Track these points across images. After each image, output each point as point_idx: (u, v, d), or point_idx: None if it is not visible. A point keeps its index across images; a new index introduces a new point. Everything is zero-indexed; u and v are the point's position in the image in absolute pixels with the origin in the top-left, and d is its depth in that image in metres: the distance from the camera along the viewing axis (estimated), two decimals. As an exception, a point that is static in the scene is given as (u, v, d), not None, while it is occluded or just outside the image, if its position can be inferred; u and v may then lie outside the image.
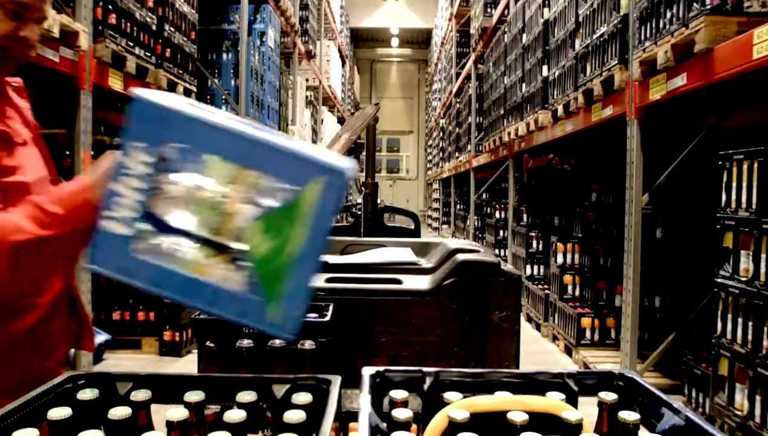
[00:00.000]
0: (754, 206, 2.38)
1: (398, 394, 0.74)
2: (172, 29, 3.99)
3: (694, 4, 2.62)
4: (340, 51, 14.17)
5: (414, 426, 0.75)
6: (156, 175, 0.84)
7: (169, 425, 0.69)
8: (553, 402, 0.73)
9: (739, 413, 2.42)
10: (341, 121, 13.81)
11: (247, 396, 0.76)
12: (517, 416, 0.67)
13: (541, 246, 6.05)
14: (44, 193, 1.03)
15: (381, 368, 0.80)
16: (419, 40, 22.73)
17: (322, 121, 11.36)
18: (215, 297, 0.83)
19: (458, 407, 0.71)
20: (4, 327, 1.08)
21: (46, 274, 1.07)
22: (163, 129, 0.84)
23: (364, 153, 2.31)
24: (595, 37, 3.91)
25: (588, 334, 4.38)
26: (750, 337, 2.37)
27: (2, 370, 1.08)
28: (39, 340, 1.14)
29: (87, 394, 0.74)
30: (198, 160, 0.83)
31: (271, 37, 6.65)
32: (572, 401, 0.78)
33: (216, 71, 5.55)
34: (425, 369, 0.80)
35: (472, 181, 9.94)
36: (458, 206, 12.88)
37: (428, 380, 0.79)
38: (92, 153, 3.15)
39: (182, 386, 0.77)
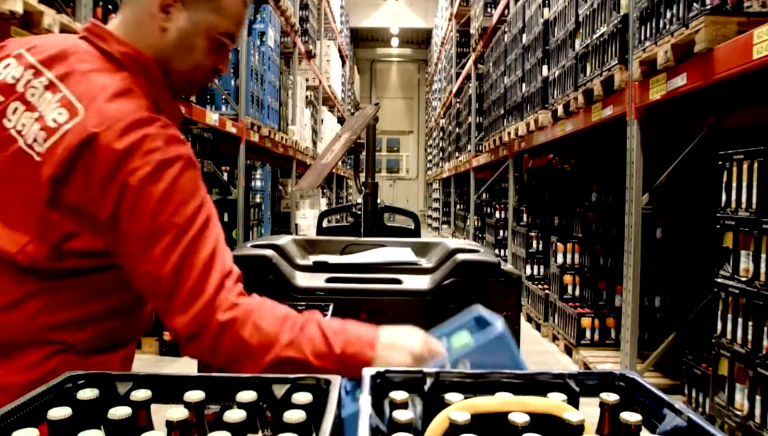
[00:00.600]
0: (754, 206, 2.38)
1: (398, 395, 0.74)
2: (172, 29, 3.99)
3: (694, 4, 2.62)
4: (340, 51, 14.17)
5: (414, 427, 0.75)
6: None
7: (169, 425, 0.69)
8: (554, 403, 0.72)
9: (739, 413, 2.42)
10: (341, 121, 13.81)
11: (247, 396, 0.76)
12: (519, 417, 0.67)
13: (541, 246, 6.05)
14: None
15: (381, 369, 0.80)
16: (419, 40, 22.74)
17: (322, 121, 11.37)
18: None
19: (459, 408, 0.71)
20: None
21: None
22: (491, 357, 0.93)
23: (364, 153, 2.31)
24: (595, 37, 3.91)
25: (588, 334, 4.38)
26: (750, 337, 2.37)
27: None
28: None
29: (87, 394, 0.74)
30: None
31: (271, 37, 6.65)
32: (573, 401, 0.78)
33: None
34: (425, 369, 0.80)
35: (472, 181, 9.94)
36: (458, 206, 12.88)
37: (429, 381, 0.79)
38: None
39: (182, 386, 0.77)
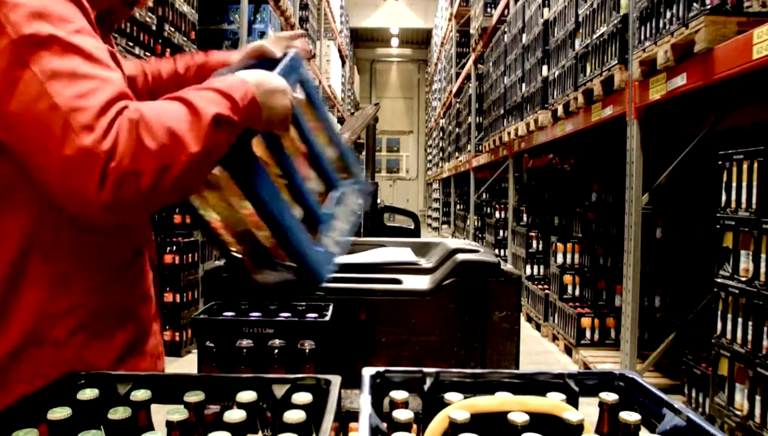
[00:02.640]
0: (754, 206, 2.38)
1: (399, 394, 0.74)
2: (172, 29, 3.99)
3: (694, 4, 2.62)
4: (340, 51, 14.17)
5: (415, 427, 0.75)
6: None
7: (169, 425, 0.69)
8: (554, 403, 0.73)
9: (739, 413, 2.42)
10: (341, 121, 13.81)
11: (247, 396, 0.76)
12: (518, 417, 0.67)
13: (541, 246, 6.05)
14: None
15: (381, 369, 0.80)
16: (419, 40, 22.73)
17: (322, 121, 11.35)
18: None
19: (459, 407, 0.71)
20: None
21: (213, 167, 0.95)
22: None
23: (364, 153, 2.31)
24: (595, 37, 3.91)
25: (588, 334, 4.38)
26: (750, 337, 2.37)
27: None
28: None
29: (87, 394, 0.74)
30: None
31: (271, 37, 6.64)
32: (573, 401, 0.78)
33: (216, 71, 5.54)
34: (425, 369, 0.80)
35: (472, 181, 9.94)
36: (458, 206, 12.88)
37: (428, 381, 0.79)
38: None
39: (182, 386, 0.77)
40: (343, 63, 15.17)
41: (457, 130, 11.85)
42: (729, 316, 2.51)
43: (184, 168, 0.82)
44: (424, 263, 1.59)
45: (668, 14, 2.88)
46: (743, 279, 2.43)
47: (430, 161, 20.02)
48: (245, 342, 1.11)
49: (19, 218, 0.89)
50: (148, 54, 3.63)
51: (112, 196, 0.78)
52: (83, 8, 0.88)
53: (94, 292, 0.96)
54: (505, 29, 7.10)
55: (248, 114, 0.92)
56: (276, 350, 1.09)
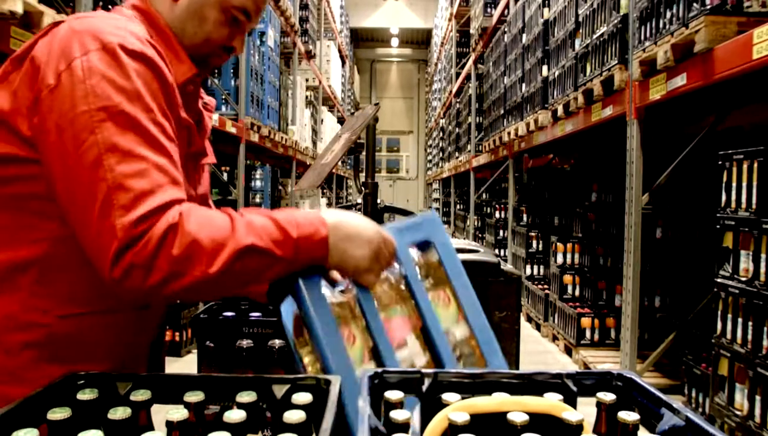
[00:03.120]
0: (754, 206, 2.38)
1: (393, 394, 0.74)
2: (172, 29, 3.99)
3: (694, 4, 2.62)
4: (340, 51, 14.17)
5: (413, 427, 0.75)
6: None
7: (169, 425, 0.69)
8: (553, 403, 0.73)
9: (739, 413, 2.42)
10: (341, 121, 13.81)
11: (247, 396, 0.76)
12: (517, 417, 0.67)
13: (541, 246, 6.05)
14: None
15: (379, 369, 0.81)
16: (419, 40, 22.73)
17: (322, 121, 11.36)
18: None
19: (458, 408, 0.71)
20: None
21: (240, 288, 0.96)
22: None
23: (364, 153, 2.31)
24: (594, 37, 3.91)
25: (588, 334, 4.38)
26: (750, 337, 2.37)
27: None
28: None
29: (87, 394, 0.74)
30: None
31: (271, 37, 6.65)
32: (571, 401, 0.78)
33: (215, 71, 5.54)
34: (423, 370, 0.80)
35: (471, 181, 9.94)
36: (458, 206, 12.88)
37: (427, 381, 0.79)
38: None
39: (182, 386, 0.78)
40: (343, 63, 15.17)
41: (457, 130, 11.85)
42: (729, 316, 2.51)
43: (194, 281, 0.84)
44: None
45: (668, 14, 2.88)
46: (743, 279, 2.43)
47: (430, 161, 20.02)
48: (245, 342, 1.11)
49: (39, 240, 0.93)
50: (149, 54, 3.60)
51: (119, 278, 0.83)
52: (166, 83, 0.92)
53: (72, 320, 0.95)
54: (505, 29, 7.10)
55: (305, 252, 0.90)
56: (276, 350, 1.09)
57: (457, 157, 11.64)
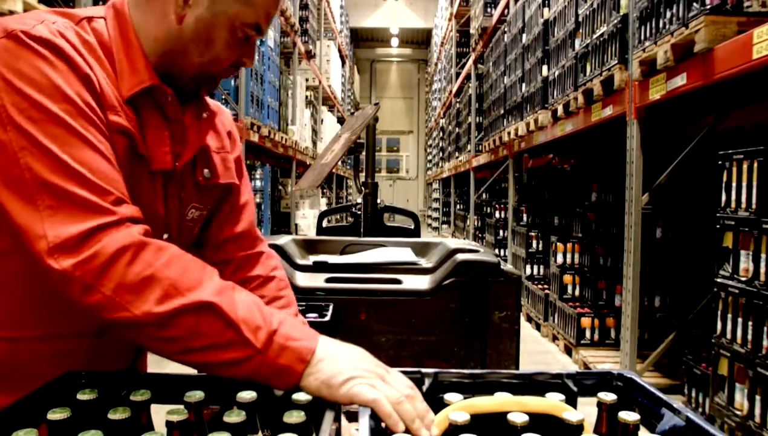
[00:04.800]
0: (754, 206, 2.38)
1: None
2: (172, 29, 3.98)
3: (694, 4, 2.62)
4: (340, 51, 14.17)
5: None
6: None
7: (169, 425, 0.69)
8: (553, 403, 0.73)
9: (738, 412, 2.42)
10: (341, 121, 13.81)
11: (247, 396, 0.76)
12: (518, 417, 0.67)
13: (541, 246, 6.05)
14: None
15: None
16: (419, 40, 22.73)
17: (322, 121, 11.37)
18: None
19: (458, 408, 0.71)
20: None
21: (178, 358, 0.79)
22: None
23: (363, 153, 2.31)
24: (594, 37, 3.91)
25: (588, 334, 4.38)
26: (750, 337, 2.37)
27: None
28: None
29: (86, 394, 0.74)
30: None
31: (271, 37, 6.65)
32: (571, 401, 0.78)
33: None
34: (424, 370, 0.80)
35: (471, 181, 9.94)
36: (458, 206, 12.88)
37: (427, 381, 0.79)
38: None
39: (182, 386, 0.77)
40: (343, 63, 15.17)
41: (457, 130, 11.85)
42: (729, 316, 2.51)
43: (132, 319, 0.74)
44: (424, 263, 1.59)
45: (668, 14, 2.88)
46: (743, 279, 2.43)
47: (430, 161, 20.02)
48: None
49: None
50: (148, 54, 3.60)
51: (61, 280, 0.74)
52: (86, 77, 0.83)
53: (6, 344, 0.87)
54: (505, 29, 7.10)
55: (276, 359, 0.76)
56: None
57: (457, 157, 11.64)
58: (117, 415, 0.70)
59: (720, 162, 2.59)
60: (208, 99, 1.07)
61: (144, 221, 0.81)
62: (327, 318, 1.20)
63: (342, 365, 0.76)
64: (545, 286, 5.64)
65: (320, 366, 0.76)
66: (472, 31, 10.14)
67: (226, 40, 0.92)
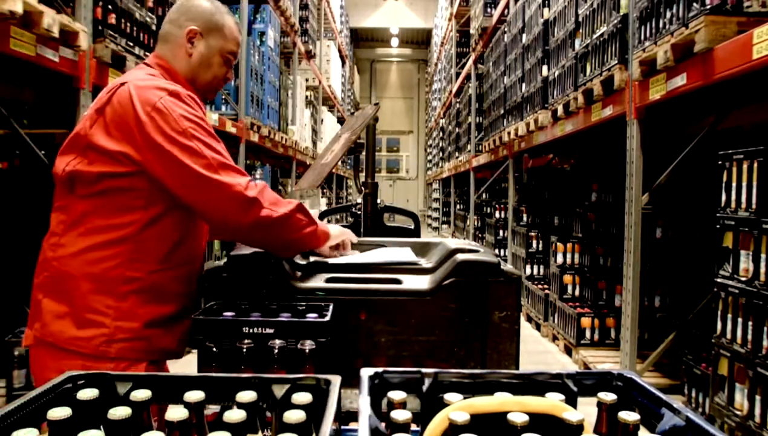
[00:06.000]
0: (754, 206, 2.38)
1: (397, 395, 0.74)
2: (172, 29, 3.98)
3: (694, 4, 2.62)
4: (339, 51, 14.17)
5: (414, 427, 0.75)
6: None
7: (169, 425, 0.69)
8: (553, 403, 0.73)
9: (738, 412, 2.42)
10: (341, 121, 13.81)
11: (247, 396, 0.76)
12: (518, 417, 0.67)
13: (541, 246, 6.05)
14: None
15: (380, 369, 0.80)
16: (419, 40, 22.72)
17: (322, 121, 11.36)
18: None
19: (458, 408, 0.71)
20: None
21: (284, 244, 1.44)
22: None
23: (363, 153, 2.31)
24: (594, 37, 3.91)
25: (588, 334, 4.38)
26: (750, 337, 2.37)
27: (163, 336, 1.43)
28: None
29: (87, 394, 0.74)
30: None
31: (271, 37, 6.64)
32: (571, 401, 0.78)
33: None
34: (424, 370, 0.80)
35: (471, 181, 9.94)
36: (458, 206, 12.88)
37: (427, 381, 0.79)
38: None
39: (182, 386, 0.77)
40: (343, 63, 15.17)
41: (457, 130, 11.85)
42: (729, 316, 2.51)
43: (272, 218, 1.38)
44: (424, 263, 1.59)
45: (668, 14, 2.88)
46: (743, 279, 2.43)
47: (430, 161, 20.02)
48: (245, 342, 1.11)
49: (129, 224, 1.40)
50: (148, 54, 3.62)
51: (242, 208, 1.36)
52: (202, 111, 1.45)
53: (157, 274, 1.42)
54: (505, 29, 7.10)
55: (320, 231, 1.50)
56: (276, 350, 1.09)
57: (457, 157, 11.64)
58: (117, 415, 0.70)
59: (720, 162, 2.59)
60: None
61: None
62: (327, 318, 1.19)
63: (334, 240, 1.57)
64: (545, 286, 5.64)
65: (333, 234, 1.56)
66: (472, 31, 10.13)
67: (219, 63, 1.54)
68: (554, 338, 5.07)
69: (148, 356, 1.39)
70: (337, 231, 1.57)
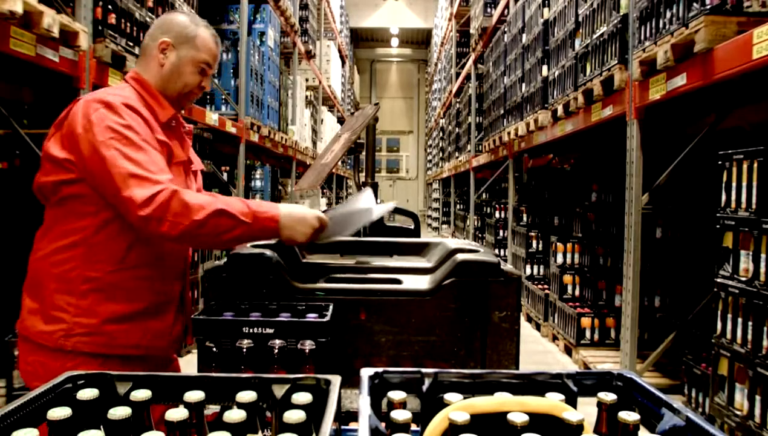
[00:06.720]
0: (754, 206, 2.38)
1: (396, 395, 0.74)
2: (172, 29, 3.98)
3: (694, 4, 2.62)
4: (339, 51, 14.17)
5: (414, 426, 0.75)
6: None
7: (169, 425, 0.69)
8: (553, 403, 0.73)
9: (738, 412, 2.42)
10: (341, 121, 13.81)
11: (247, 396, 0.76)
12: (518, 417, 0.67)
13: (541, 246, 6.05)
14: None
15: (380, 369, 0.80)
16: (419, 40, 22.72)
17: (322, 121, 11.36)
18: None
19: (458, 408, 0.71)
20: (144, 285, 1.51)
21: (217, 243, 1.49)
22: None
23: (363, 153, 2.31)
24: (594, 36, 3.91)
25: (588, 334, 4.38)
26: (750, 337, 2.37)
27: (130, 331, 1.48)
28: (157, 309, 1.54)
29: (87, 394, 0.74)
30: None
31: (271, 37, 6.64)
32: (571, 401, 0.78)
33: (216, 71, 5.54)
34: (424, 370, 0.80)
35: (471, 181, 9.94)
36: (458, 206, 12.88)
37: (427, 381, 0.79)
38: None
39: (182, 386, 0.77)
40: (343, 63, 15.16)
41: (457, 130, 11.84)
42: (729, 316, 2.51)
43: (186, 227, 1.36)
44: (424, 263, 1.59)
45: (668, 14, 2.88)
46: (743, 279, 2.43)
47: (430, 161, 20.01)
48: (245, 342, 1.11)
49: (82, 229, 1.48)
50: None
51: (143, 226, 1.38)
52: (146, 120, 1.49)
53: (115, 273, 1.48)
54: (505, 29, 7.10)
55: (260, 223, 1.42)
56: (276, 350, 1.09)
57: (457, 157, 11.64)
58: (117, 415, 0.70)
59: (720, 162, 2.59)
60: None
61: (177, 183, 1.44)
62: (327, 318, 1.19)
63: (298, 226, 1.46)
64: (545, 286, 5.64)
65: (291, 224, 1.45)
66: (472, 31, 10.13)
67: (190, 73, 1.61)
68: (554, 338, 5.07)
69: (111, 351, 1.45)
70: (292, 221, 1.45)
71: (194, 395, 0.74)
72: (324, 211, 1.51)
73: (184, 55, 1.59)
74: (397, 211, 2.61)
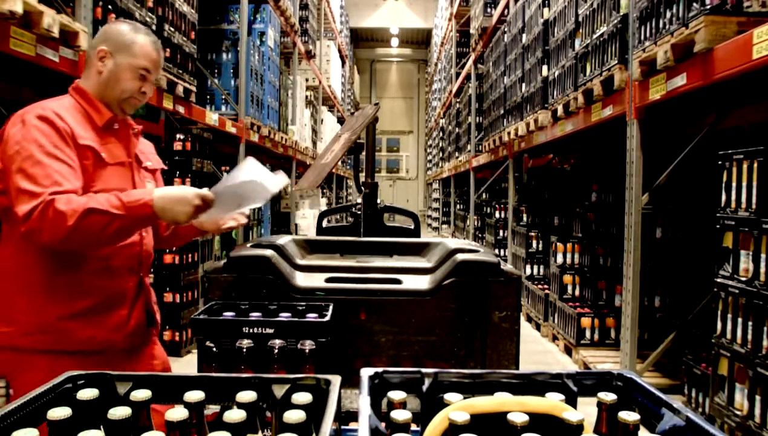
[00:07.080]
0: (754, 206, 2.38)
1: (396, 395, 0.74)
2: (172, 29, 3.99)
3: (694, 4, 2.62)
4: (339, 51, 14.17)
5: (414, 426, 0.75)
6: None
7: (169, 425, 0.69)
8: (553, 403, 0.73)
9: (738, 412, 2.42)
10: (341, 121, 13.81)
11: (247, 396, 0.76)
12: (518, 417, 0.67)
13: (541, 246, 6.05)
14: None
15: (380, 369, 0.80)
16: (419, 40, 22.72)
17: (322, 121, 11.36)
18: None
19: (458, 408, 0.71)
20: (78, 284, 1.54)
21: (102, 240, 1.48)
22: None
23: (363, 153, 2.31)
24: (594, 37, 3.91)
25: (588, 334, 4.38)
26: (750, 337, 2.37)
27: (73, 328, 1.53)
28: (108, 303, 1.59)
29: (87, 394, 0.74)
30: None
31: (271, 37, 6.64)
32: (571, 401, 0.78)
33: (216, 71, 5.55)
34: (424, 370, 0.80)
35: (471, 181, 9.94)
36: (458, 206, 12.88)
37: (427, 381, 0.79)
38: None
39: (182, 386, 0.77)
40: (343, 63, 15.17)
41: (457, 130, 11.85)
42: (729, 316, 2.51)
43: (63, 233, 1.39)
44: (424, 263, 1.59)
45: (668, 14, 2.88)
46: (743, 279, 2.43)
47: (430, 161, 20.01)
48: (245, 342, 1.11)
49: (11, 239, 1.58)
50: (148, 54, 3.61)
51: (28, 236, 1.43)
52: (60, 129, 1.51)
53: (59, 272, 1.55)
54: (505, 29, 7.10)
55: (133, 211, 1.44)
56: (276, 350, 1.09)
57: (457, 157, 11.64)
58: (117, 415, 0.70)
59: (720, 162, 2.59)
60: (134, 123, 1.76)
61: (78, 191, 1.47)
62: (327, 318, 1.19)
63: (177, 206, 1.48)
64: (545, 286, 5.64)
65: (168, 206, 1.47)
66: (472, 31, 10.13)
67: (129, 79, 1.65)
68: (554, 338, 5.07)
69: (67, 347, 1.52)
70: (169, 202, 1.47)
71: (194, 395, 0.74)
72: (210, 188, 1.52)
73: (121, 62, 1.64)
74: (397, 211, 2.61)
